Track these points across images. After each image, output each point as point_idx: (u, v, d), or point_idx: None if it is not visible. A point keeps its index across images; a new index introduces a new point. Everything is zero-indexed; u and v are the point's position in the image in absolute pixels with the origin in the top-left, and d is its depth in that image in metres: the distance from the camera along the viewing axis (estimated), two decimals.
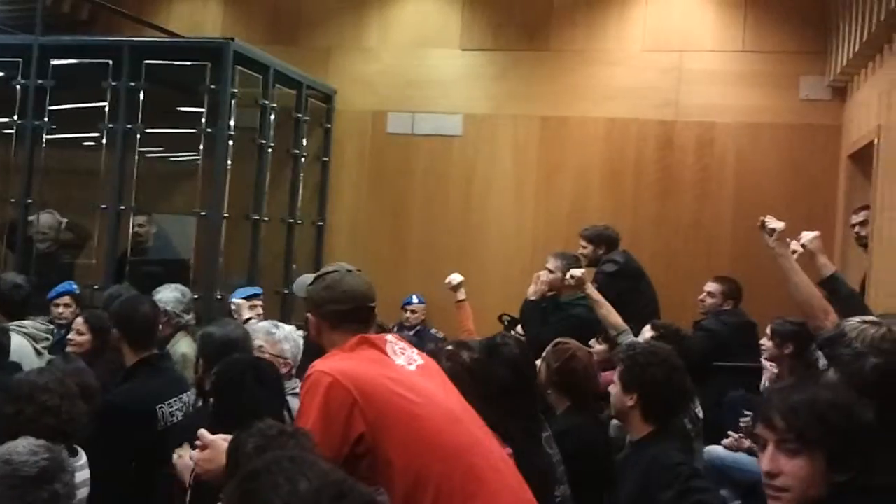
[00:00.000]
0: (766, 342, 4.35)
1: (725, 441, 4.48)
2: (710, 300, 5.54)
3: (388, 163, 7.17)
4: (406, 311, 6.39)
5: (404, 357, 2.44)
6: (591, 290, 4.33)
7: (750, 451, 4.18)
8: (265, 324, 3.72)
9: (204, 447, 2.29)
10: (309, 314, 2.55)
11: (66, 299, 4.92)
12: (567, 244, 5.75)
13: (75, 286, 5.01)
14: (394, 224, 7.09)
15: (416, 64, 7.21)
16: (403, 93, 7.17)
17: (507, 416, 2.80)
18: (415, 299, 6.39)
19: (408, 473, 2.23)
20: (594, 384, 3.66)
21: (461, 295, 5.08)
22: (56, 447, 2.24)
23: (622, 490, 2.86)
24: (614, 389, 2.93)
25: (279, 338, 3.49)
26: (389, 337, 2.52)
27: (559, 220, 6.71)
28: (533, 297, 4.88)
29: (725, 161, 6.60)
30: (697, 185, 6.63)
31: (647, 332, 3.89)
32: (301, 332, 3.59)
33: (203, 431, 2.30)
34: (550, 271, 4.92)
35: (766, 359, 4.46)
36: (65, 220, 5.99)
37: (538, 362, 3.54)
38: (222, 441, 2.25)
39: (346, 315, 2.46)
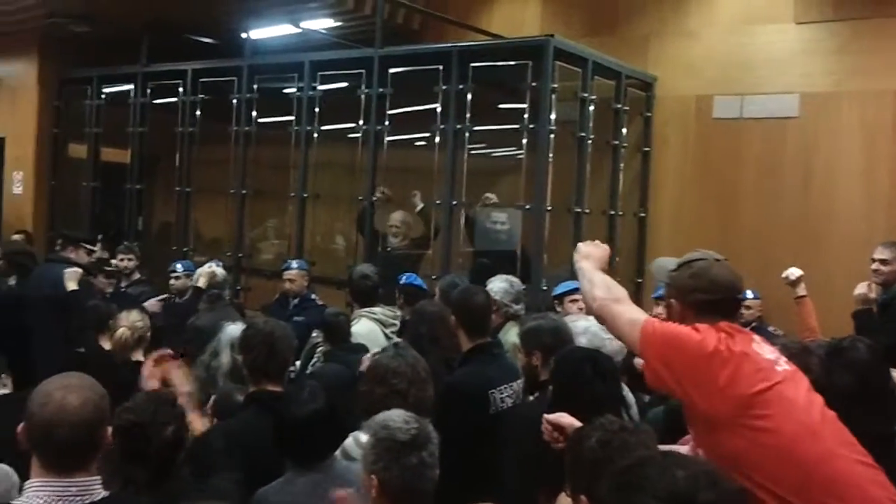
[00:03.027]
0: None
1: None
2: None
3: (715, 150, 6.79)
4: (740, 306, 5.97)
5: (773, 355, 2.28)
6: None
7: None
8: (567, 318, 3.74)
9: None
10: (672, 300, 2.49)
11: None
12: None
13: (405, 278, 5.33)
14: (721, 214, 6.69)
15: (743, 43, 6.74)
16: (730, 75, 6.74)
17: (858, 426, 2.48)
18: (749, 294, 5.93)
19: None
20: None
21: (801, 290, 4.73)
22: (423, 419, 2.37)
23: None
24: None
25: (577, 332, 3.45)
26: (755, 336, 2.36)
27: None
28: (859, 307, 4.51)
29: None
30: None
31: None
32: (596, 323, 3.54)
33: (550, 416, 2.35)
34: (883, 261, 4.49)
35: None
36: (416, 216, 6.44)
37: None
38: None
39: (712, 305, 2.38)
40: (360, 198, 6.53)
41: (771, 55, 6.61)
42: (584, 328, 3.49)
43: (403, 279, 5.34)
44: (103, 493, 1.97)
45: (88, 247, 6.07)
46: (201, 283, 5.57)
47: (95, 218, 8.42)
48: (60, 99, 8.84)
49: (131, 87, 8.14)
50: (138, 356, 4.28)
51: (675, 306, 2.46)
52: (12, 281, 6.04)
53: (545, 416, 2.40)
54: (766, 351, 2.30)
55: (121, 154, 8.55)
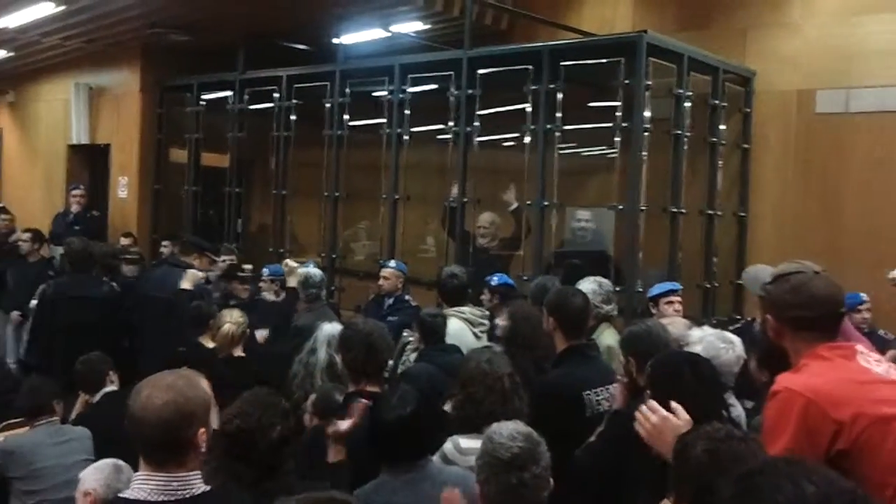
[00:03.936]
0: None
1: None
2: None
3: (819, 146, 6.50)
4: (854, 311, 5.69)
5: (882, 368, 2.16)
6: None
7: None
8: (681, 326, 3.64)
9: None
10: (768, 316, 2.39)
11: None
12: None
13: (497, 278, 5.32)
14: (826, 214, 6.40)
15: (849, 34, 6.43)
16: (835, 67, 6.45)
17: None
18: (863, 297, 5.64)
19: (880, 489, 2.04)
20: None
21: None
22: (536, 437, 2.32)
23: None
24: None
25: (692, 341, 3.37)
26: (859, 347, 2.24)
27: None
28: None
29: None
30: None
31: None
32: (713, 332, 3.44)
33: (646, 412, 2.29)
34: None
35: None
36: (508, 215, 6.40)
37: None
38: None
39: (811, 322, 2.26)
40: (452, 199, 6.52)
41: (878, 46, 6.29)
42: (699, 337, 3.41)
43: (495, 280, 5.33)
44: (205, 488, 2.01)
45: (212, 256, 6.30)
46: (293, 282, 5.70)
47: (197, 220, 8.73)
48: (162, 106, 9.20)
49: (229, 93, 8.38)
50: (238, 352, 4.44)
51: (772, 322, 2.35)
52: (113, 283, 6.29)
53: (636, 413, 2.34)
54: (872, 363, 2.17)
55: (220, 158, 8.83)
